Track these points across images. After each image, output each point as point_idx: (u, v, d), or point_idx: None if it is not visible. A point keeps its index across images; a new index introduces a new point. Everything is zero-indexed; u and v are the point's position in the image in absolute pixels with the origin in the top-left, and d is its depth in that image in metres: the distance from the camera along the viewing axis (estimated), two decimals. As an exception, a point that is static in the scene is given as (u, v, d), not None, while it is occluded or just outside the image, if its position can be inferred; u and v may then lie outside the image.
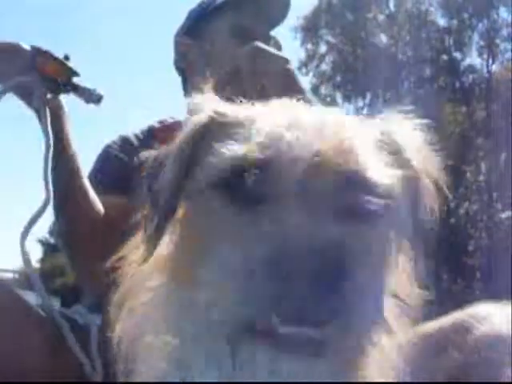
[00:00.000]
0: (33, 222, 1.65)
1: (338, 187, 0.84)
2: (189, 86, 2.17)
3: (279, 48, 2.16)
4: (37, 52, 1.72)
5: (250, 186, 0.85)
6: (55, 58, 1.75)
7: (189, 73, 2.19)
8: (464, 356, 1.33)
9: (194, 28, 2.18)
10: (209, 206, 0.89)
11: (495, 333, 1.32)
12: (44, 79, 1.72)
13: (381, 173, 0.89)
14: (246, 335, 0.82)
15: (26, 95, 1.74)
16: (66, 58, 1.77)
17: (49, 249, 39.35)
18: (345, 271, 0.77)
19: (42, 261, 39.30)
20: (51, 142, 1.72)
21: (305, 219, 0.79)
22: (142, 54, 60.53)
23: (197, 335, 0.90)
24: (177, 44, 2.24)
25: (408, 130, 0.99)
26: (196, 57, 2.14)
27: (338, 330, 0.80)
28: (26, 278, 1.89)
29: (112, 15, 56.37)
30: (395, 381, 1.00)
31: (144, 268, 0.97)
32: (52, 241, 40.12)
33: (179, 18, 2.24)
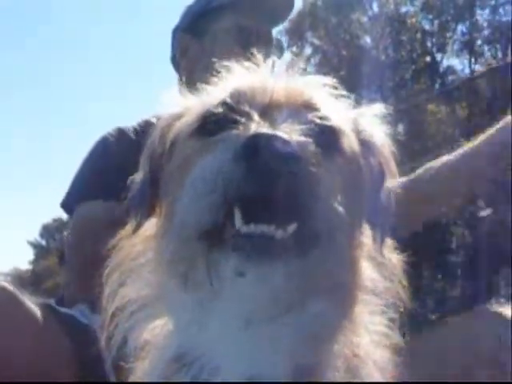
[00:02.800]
0: None
1: (294, 110, 0.92)
2: (187, 81, 2.02)
3: (282, 49, 2.20)
4: None
5: (218, 120, 0.92)
6: None
7: (188, 69, 2.16)
8: (465, 356, 1.39)
9: (194, 25, 2.16)
10: (185, 148, 0.96)
11: (495, 333, 1.38)
12: None
13: (334, 115, 0.97)
14: (213, 241, 0.84)
15: None
16: None
17: (40, 251, 39.21)
18: (307, 176, 0.81)
19: (34, 262, 39.18)
20: None
21: (269, 129, 0.82)
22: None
23: (173, 254, 0.92)
24: (176, 40, 2.22)
25: (373, 120, 1.07)
26: (197, 54, 2.12)
27: (299, 232, 0.82)
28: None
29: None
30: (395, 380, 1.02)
31: (132, 240, 1.04)
32: (43, 243, 40.05)
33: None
